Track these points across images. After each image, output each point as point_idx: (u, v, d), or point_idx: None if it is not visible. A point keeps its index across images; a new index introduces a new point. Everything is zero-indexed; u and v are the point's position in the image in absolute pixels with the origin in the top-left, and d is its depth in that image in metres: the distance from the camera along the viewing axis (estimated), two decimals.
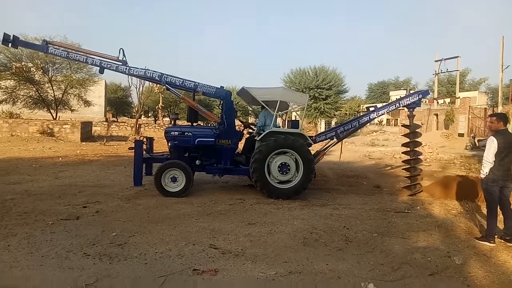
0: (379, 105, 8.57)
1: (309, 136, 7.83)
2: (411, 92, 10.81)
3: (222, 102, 7.74)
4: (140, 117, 31.48)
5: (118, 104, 49.64)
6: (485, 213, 5.31)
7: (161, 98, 34.29)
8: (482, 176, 4.94)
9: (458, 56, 34.21)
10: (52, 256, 3.95)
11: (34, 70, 23.70)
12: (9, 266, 3.68)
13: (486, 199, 5.04)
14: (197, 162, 7.57)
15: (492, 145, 4.78)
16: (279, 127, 8.45)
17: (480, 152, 11.37)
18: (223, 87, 7.77)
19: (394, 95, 48.82)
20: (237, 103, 39.84)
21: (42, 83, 24.17)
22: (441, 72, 36.55)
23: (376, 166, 13.53)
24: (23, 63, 23.16)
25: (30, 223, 5.09)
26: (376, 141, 25.81)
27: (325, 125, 42.00)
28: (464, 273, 3.87)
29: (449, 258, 4.23)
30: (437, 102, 38.32)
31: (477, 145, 20.87)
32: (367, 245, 4.63)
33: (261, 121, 8.25)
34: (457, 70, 35.21)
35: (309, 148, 7.55)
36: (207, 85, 7.66)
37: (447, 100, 41.43)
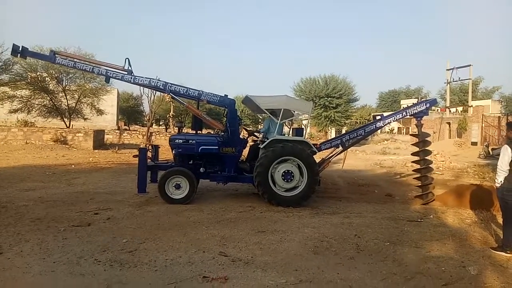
0: (385, 114, 8.51)
1: (313, 144, 7.81)
2: (420, 100, 10.72)
3: (226, 110, 7.79)
4: (151, 126, 31.78)
5: (130, 112, 50.33)
6: (501, 222, 5.20)
7: (172, 107, 34.62)
8: (497, 185, 4.84)
9: (470, 65, 33.90)
10: (63, 262, 3.98)
11: (49, 80, 24.23)
12: (22, 272, 3.73)
13: (502, 209, 4.93)
14: (201, 169, 7.59)
15: (506, 154, 4.69)
16: (284, 135, 8.44)
17: (494, 161, 11.16)
18: (227, 95, 7.82)
19: (405, 103, 48.45)
20: (247, 112, 40.03)
21: (56, 92, 24.69)
22: (453, 81, 36.22)
23: (387, 174, 13.37)
24: (38, 73, 23.70)
25: (42, 229, 5.16)
26: (387, 149, 25.53)
27: (336, 134, 41.80)
28: (480, 283, 3.77)
29: (464, 268, 4.13)
30: (449, 111, 37.91)
31: (491, 153, 20.51)
32: (379, 254, 4.56)
33: (265, 128, 8.27)
34: (470, 79, 34.85)
35: (313, 156, 7.50)
36: (211, 94, 7.72)
37: (460, 108, 40.96)
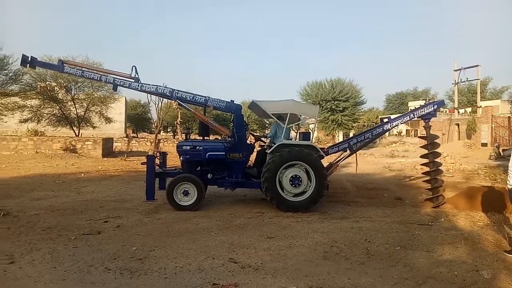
0: (393, 116, 8.48)
1: (321, 148, 7.78)
2: (427, 102, 10.66)
3: (233, 116, 7.81)
4: (159, 133, 31.93)
5: (138, 120, 50.70)
6: None
7: (179, 113, 34.80)
8: (509, 187, 4.77)
9: (478, 65, 33.63)
10: (74, 271, 4.01)
11: (58, 89, 24.60)
12: (34, 281, 3.75)
13: None
14: (209, 175, 7.61)
15: None
16: (291, 139, 8.42)
17: (505, 162, 11.01)
18: (234, 101, 7.83)
19: (413, 105, 48.10)
20: (253, 117, 40.10)
21: (65, 101, 25.04)
22: (461, 82, 35.95)
23: (396, 177, 13.25)
24: (48, 82, 24.06)
25: (53, 238, 5.20)
26: (396, 152, 25.34)
27: (343, 137, 41.61)
28: None
29: (477, 272, 4.06)
30: (458, 112, 37.57)
31: (502, 154, 20.23)
32: (390, 259, 4.51)
33: (272, 133, 8.26)
34: (478, 79, 34.55)
35: (321, 160, 7.46)
36: (218, 100, 7.75)
37: (468, 109, 40.58)
